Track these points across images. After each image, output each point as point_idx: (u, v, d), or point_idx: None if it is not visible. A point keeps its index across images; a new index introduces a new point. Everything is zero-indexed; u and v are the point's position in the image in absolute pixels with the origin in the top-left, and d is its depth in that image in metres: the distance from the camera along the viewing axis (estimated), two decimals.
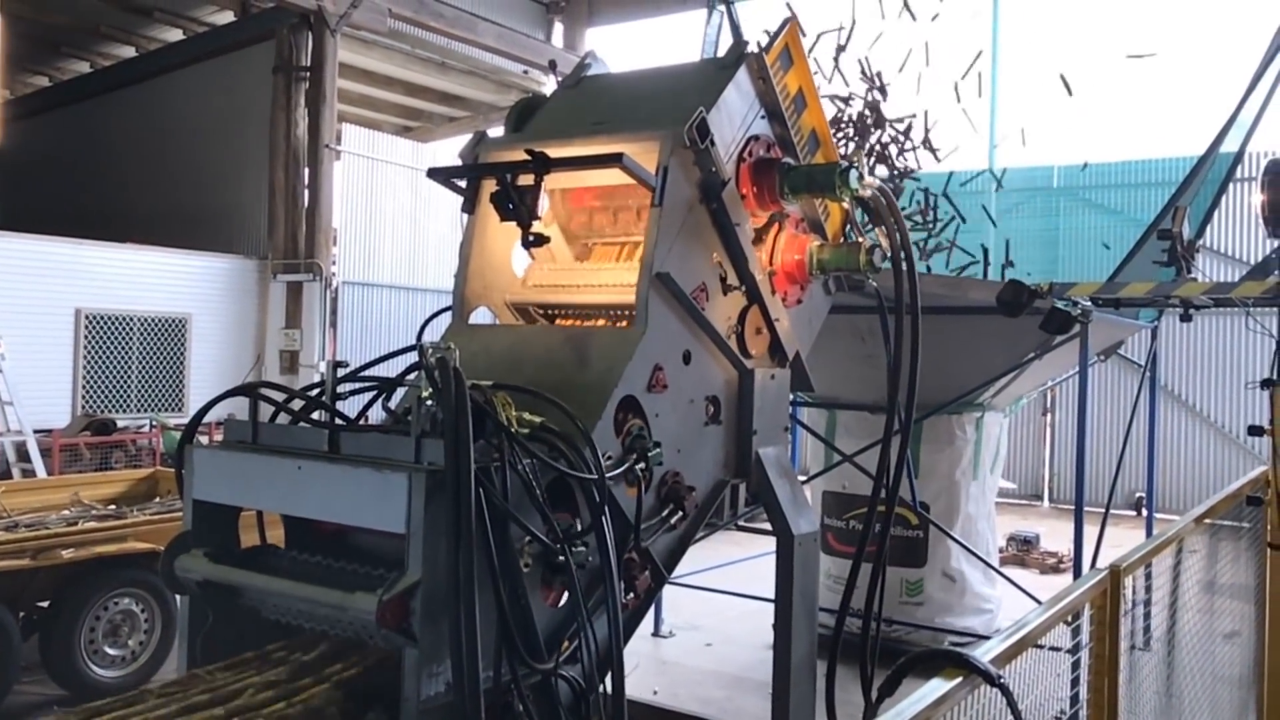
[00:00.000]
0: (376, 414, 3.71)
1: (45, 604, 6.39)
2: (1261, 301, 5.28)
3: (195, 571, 3.13)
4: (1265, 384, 4.56)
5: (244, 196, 16.11)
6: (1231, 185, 10.11)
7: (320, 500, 2.94)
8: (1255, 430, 4.52)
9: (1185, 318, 6.28)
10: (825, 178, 3.90)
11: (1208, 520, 4.25)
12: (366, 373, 3.51)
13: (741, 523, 7.27)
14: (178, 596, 3.33)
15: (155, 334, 14.07)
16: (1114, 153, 15.35)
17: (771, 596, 3.90)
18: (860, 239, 4.34)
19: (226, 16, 17.37)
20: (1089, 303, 5.98)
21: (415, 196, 16.81)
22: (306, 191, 15.21)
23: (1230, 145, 9.06)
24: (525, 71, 18.90)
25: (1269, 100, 8.92)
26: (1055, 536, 11.88)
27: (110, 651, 6.44)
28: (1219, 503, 4.39)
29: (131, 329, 13.78)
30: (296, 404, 3.38)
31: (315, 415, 3.36)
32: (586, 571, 2.96)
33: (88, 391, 13.40)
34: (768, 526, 4.01)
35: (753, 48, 4.04)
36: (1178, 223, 6.43)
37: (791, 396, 4.69)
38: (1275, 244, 5.01)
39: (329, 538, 3.23)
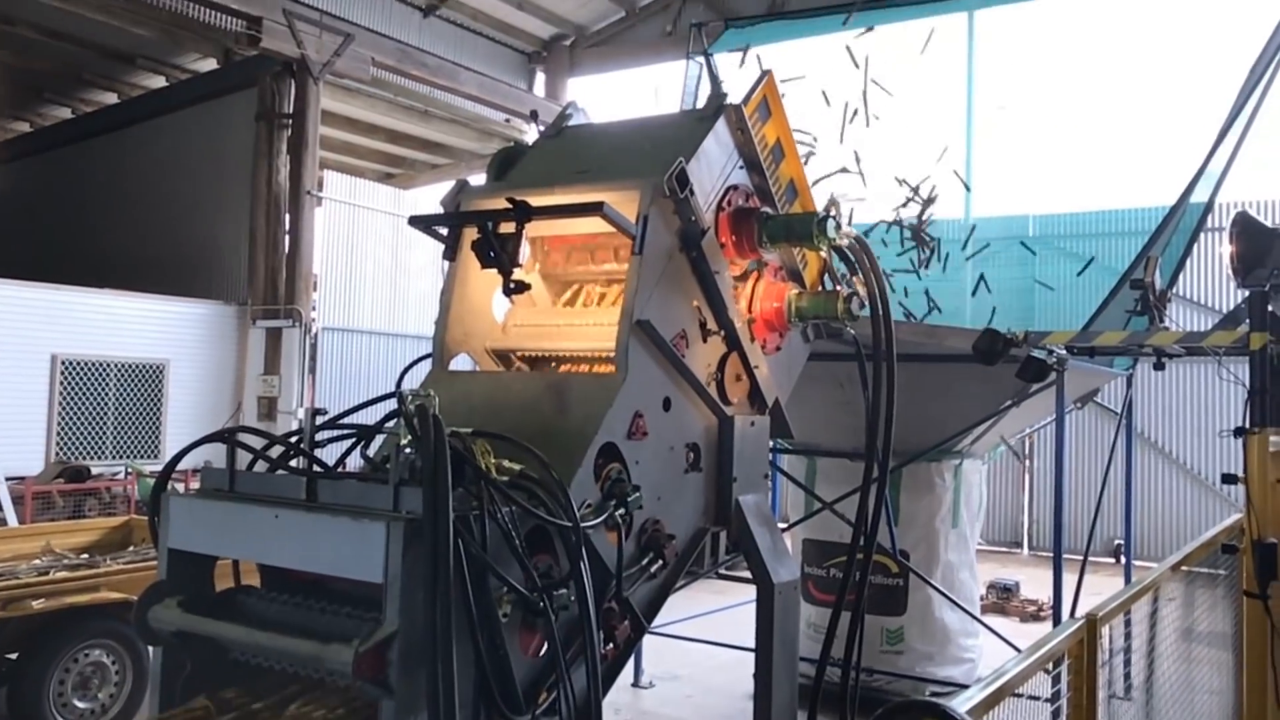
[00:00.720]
0: (360, 463, 3.69)
1: (14, 656, 6.26)
2: (1232, 351, 5.35)
3: (169, 622, 3.09)
4: (1238, 432, 4.61)
5: (224, 242, 16.10)
6: (1203, 235, 10.26)
7: (297, 549, 2.91)
8: (1229, 478, 4.56)
9: (1159, 366, 6.37)
10: (803, 227, 3.96)
11: (1184, 568, 4.27)
12: (345, 420, 3.50)
13: (722, 571, 7.24)
14: (150, 648, 3.28)
15: (132, 380, 13.97)
16: (1090, 202, 15.58)
17: (752, 646, 3.88)
18: (838, 287, 4.39)
19: (210, 64, 17.49)
20: (1064, 351, 6.05)
21: (396, 242, 16.85)
22: (287, 237, 15.22)
23: (1200, 195, 9.21)
24: (507, 120, 19.07)
25: (1237, 151, 9.10)
26: (1035, 584, 11.88)
27: (79, 705, 6.30)
28: (1194, 550, 4.42)
29: (108, 375, 13.68)
30: (274, 451, 3.36)
31: (293, 463, 3.34)
32: (565, 621, 2.94)
33: (62, 438, 13.25)
34: (748, 574, 3.99)
35: (731, 99, 4.11)
36: (1150, 272, 6.54)
37: (771, 443, 4.70)
38: (1245, 294, 5.08)
39: (306, 586, 3.19)
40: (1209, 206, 9.27)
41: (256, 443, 3.34)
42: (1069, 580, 6.90)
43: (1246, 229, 4.96)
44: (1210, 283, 15.11)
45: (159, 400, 14.27)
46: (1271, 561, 4.41)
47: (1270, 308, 4.82)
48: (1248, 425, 4.64)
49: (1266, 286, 4.81)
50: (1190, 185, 9.09)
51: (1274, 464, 4.59)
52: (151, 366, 14.19)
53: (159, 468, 13.14)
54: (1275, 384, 4.68)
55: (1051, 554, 6.98)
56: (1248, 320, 4.90)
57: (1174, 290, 9.15)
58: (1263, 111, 8.88)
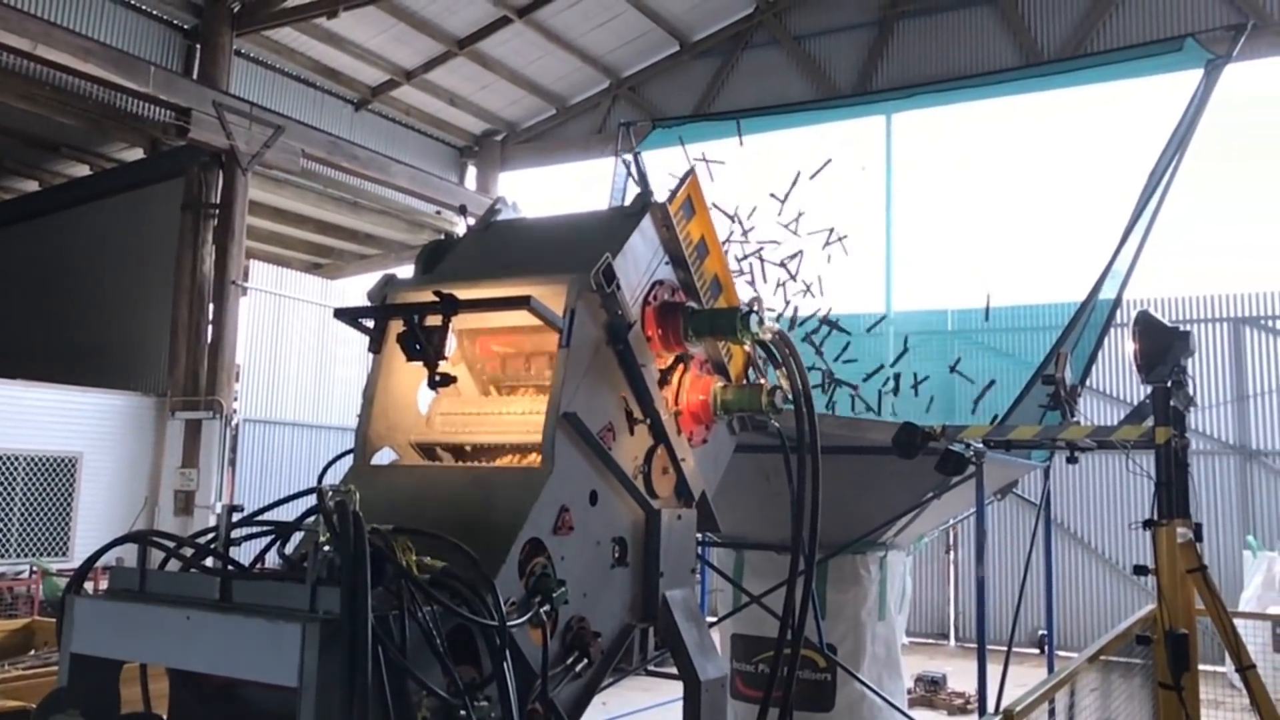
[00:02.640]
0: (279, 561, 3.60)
1: None
2: (1139, 445, 5.55)
3: None
4: (1147, 524, 4.74)
5: (145, 332, 15.78)
6: (1113, 330, 10.68)
7: (209, 652, 2.81)
8: (1140, 570, 4.67)
9: (1072, 460, 6.55)
10: (727, 321, 4.04)
11: (1102, 658, 4.33)
12: (263, 516, 3.42)
13: (650, 667, 7.12)
14: None
15: (42, 474, 13.46)
16: (1005, 297, 16.12)
17: None
18: (762, 380, 4.46)
19: (136, 153, 17.35)
20: (981, 445, 6.19)
21: (322, 333, 16.70)
22: (210, 327, 14.98)
23: (1108, 293, 9.61)
24: (438, 212, 19.19)
25: (1140, 251, 9.54)
26: (962, 676, 11.91)
27: None
28: (1111, 642, 4.49)
29: (16, 469, 13.16)
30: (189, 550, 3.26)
31: (209, 561, 3.24)
32: None
33: None
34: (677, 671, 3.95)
35: (657, 197, 4.21)
36: (1060, 368, 6.78)
37: (700, 537, 4.70)
38: (1149, 389, 5.29)
39: (218, 691, 3.07)
40: (1117, 303, 9.66)
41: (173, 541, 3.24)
42: (994, 671, 6.94)
43: (1148, 328, 5.19)
44: (1121, 375, 15.65)
45: (70, 495, 13.75)
46: (1183, 652, 4.51)
47: (1172, 402, 5.02)
48: (1155, 518, 4.78)
49: (1168, 383, 5.02)
50: (1098, 283, 9.48)
51: (1182, 555, 4.73)
52: (63, 460, 13.70)
53: (66, 565, 12.62)
54: (1180, 477, 4.85)
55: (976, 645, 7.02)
56: (1153, 415, 5.09)
57: (1086, 384, 9.46)
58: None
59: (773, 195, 9.80)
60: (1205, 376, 15.38)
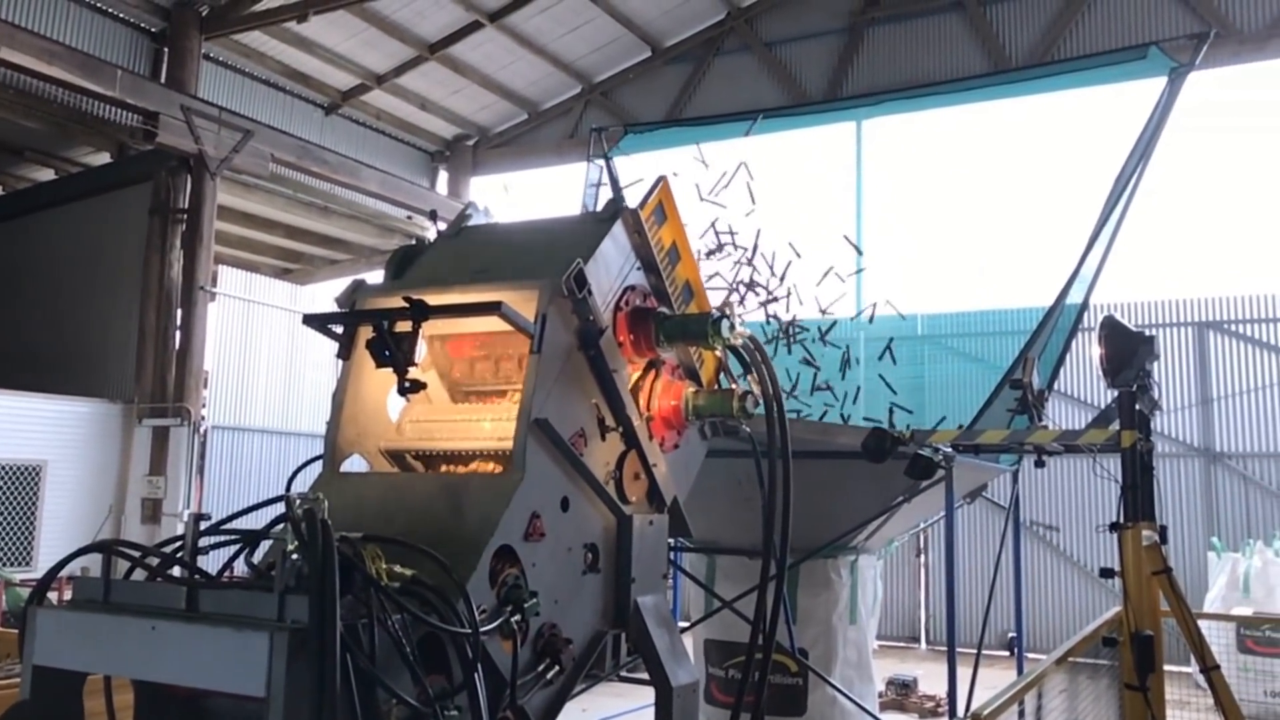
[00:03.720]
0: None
1: None
2: (1106, 448, 5.61)
3: None
4: (1113, 527, 4.80)
5: (111, 339, 15.58)
6: (1080, 334, 10.80)
7: (175, 663, 2.77)
8: (1106, 573, 4.73)
9: (1039, 463, 6.61)
10: (698, 326, 4.06)
11: (1070, 659, 4.38)
12: (230, 525, 3.39)
13: (623, 673, 7.10)
14: None
15: (4, 483, 13.24)
16: (973, 302, 16.26)
17: None
18: (733, 385, 4.47)
19: (102, 158, 17.14)
20: (950, 449, 6.24)
21: (292, 339, 16.57)
22: (178, 333, 14.81)
23: (1075, 297, 9.71)
24: (409, 216, 19.09)
25: (1107, 256, 9.65)
26: (933, 679, 11.98)
27: None
28: (1078, 644, 4.53)
29: None
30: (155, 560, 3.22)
31: (176, 570, 3.20)
32: None
33: None
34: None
35: (629, 203, 4.21)
36: (1027, 372, 6.85)
37: (672, 542, 4.70)
38: (1115, 393, 5.36)
39: (184, 702, 3.04)
40: (1083, 307, 9.76)
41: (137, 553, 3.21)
42: (964, 674, 6.99)
43: (1113, 332, 5.25)
44: (1087, 380, 15.82)
45: (33, 504, 13.54)
46: (1149, 654, 4.56)
47: (1138, 406, 5.08)
48: (1121, 520, 4.84)
49: (1134, 387, 5.09)
50: (1065, 288, 9.58)
51: (1148, 558, 4.79)
52: (26, 468, 13.50)
53: (30, 575, 12.43)
54: (1145, 480, 4.91)
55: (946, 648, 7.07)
56: (1118, 419, 5.15)
57: (1054, 388, 9.55)
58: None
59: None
60: (1170, 380, 15.58)
